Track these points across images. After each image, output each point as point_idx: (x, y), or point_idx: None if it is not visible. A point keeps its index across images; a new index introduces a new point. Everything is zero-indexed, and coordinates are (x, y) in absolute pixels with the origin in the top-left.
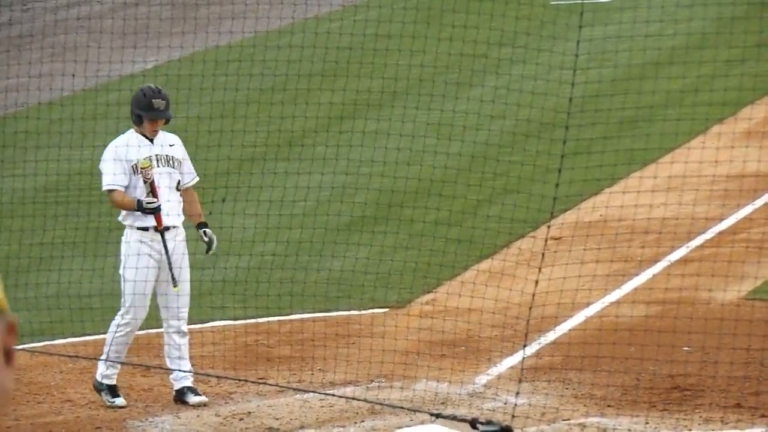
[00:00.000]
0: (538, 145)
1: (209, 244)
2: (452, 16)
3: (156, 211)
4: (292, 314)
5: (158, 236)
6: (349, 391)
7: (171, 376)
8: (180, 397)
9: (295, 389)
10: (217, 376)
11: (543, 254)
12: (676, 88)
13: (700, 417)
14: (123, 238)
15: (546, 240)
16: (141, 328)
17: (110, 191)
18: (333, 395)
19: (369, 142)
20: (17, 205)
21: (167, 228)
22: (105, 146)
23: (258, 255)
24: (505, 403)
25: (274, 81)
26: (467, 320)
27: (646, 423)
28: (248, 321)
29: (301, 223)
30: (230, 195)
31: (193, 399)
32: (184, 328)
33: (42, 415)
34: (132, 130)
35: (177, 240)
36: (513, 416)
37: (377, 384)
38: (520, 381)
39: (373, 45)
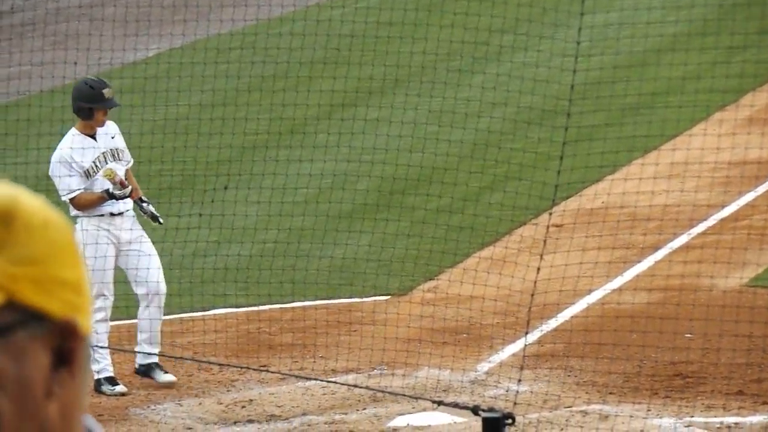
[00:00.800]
0: (540, 132)
1: (153, 216)
2: (453, 3)
3: (128, 195)
4: (293, 302)
5: (115, 221)
6: (351, 378)
7: (139, 348)
8: (146, 372)
9: (297, 377)
10: (219, 364)
11: (545, 241)
12: (678, 75)
13: (702, 404)
14: (78, 227)
15: (548, 227)
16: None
17: (72, 198)
18: (335, 383)
19: (370, 130)
20: None
21: (121, 213)
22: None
23: (260, 242)
24: (507, 391)
25: (275, 68)
26: (469, 307)
27: (648, 410)
28: (250, 309)
29: (302, 211)
30: (232, 182)
31: (162, 377)
32: (163, 302)
33: None
34: (73, 131)
35: (134, 228)
36: (515, 403)
37: (379, 371)
38: (522, 368)
39: (375, 32)
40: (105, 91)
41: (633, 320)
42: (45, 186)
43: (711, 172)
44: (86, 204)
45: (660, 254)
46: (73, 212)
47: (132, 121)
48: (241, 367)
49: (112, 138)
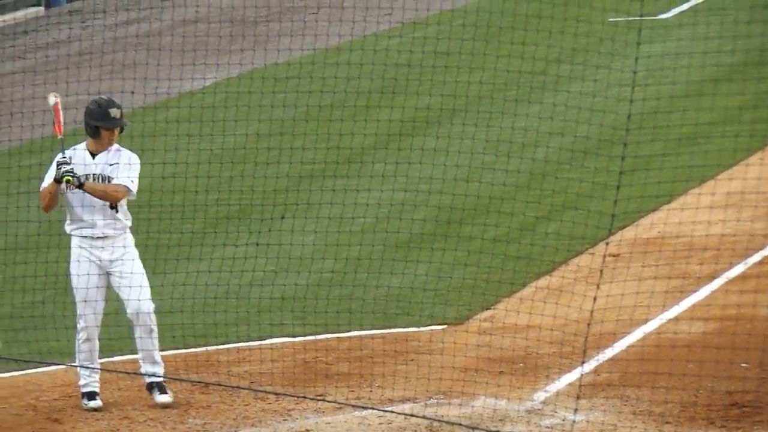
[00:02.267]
0: (597, 162)
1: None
2: (511, 33)
3: (66, 164)
4: (350, 331)
5: (98, 242)
6: (407, 408)
7: (142, 369)
8: (149, 390)
9: (353, 406)
10: (276, 393)
11: (601, 271)
12: (735, 105)
13: None
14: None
15: (604, 257)
16: (198, 345)
17: (41, 191)
18: (392, 412)
19: (427, 159)
20: None
21: (104, 236)
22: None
23: (316, 272)
24: (564, 420)
25: (332, 98)
26: (526, 337)
27: None
28: (307, 338)
29: (359, 240)
30: (289, 212)
31: (158, 398)
32: (149, 321)
33: None
34: (82, 144)
35: (115, 247)
36: None
37: (436, 401)
38: (578, 398)
39: (432, 62)
40: (111, 110)
41: (689, 349)
42: None
43: (767, 202)
44: (42, 196)
45: (716, 284)
46: (66, 229)
47: (189, 150)
48: (298, 397)
49: (110, 165)
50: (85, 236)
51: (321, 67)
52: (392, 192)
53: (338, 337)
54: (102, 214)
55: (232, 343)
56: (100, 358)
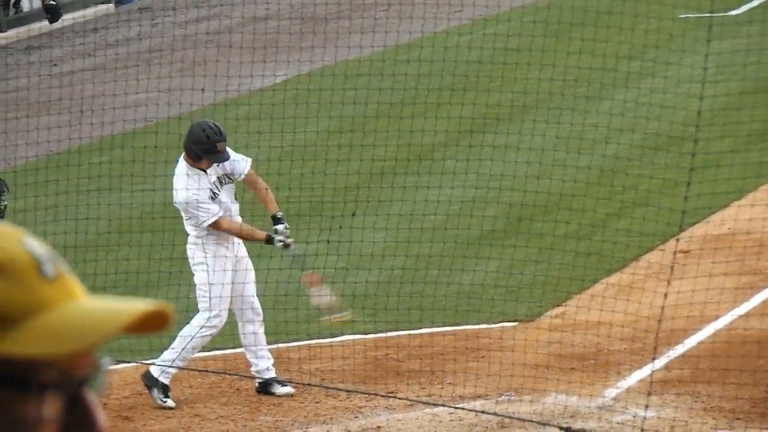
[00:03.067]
0: (667, 159)
1: (284, 243)
2: (581, 30)
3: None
4: (421, 328)
5: (232, 238)
6: (478, 404)
7: (252, 369)
8: (265, 388)
9: (424, 403)
10: (347, 390)
11: (672, 267)
12: None
13: None
14: (197, 242)
15: (675, 253)
16: (270, 342)
17: (214, 222)
18: (463, 409)
19: (498, 156)
20: (147, 219)
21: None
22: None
23: (387, 269)
24: (635, 416)
25: (403, 95)
26: (596, 333)
27: None
28: (378, 335)
29: (430, 237)
30: (360, 209)
31: (280, 390)
32: (261, 315)
33: (172, 430)
34: (186, 168)
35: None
36: (642, 429)
37: (507, 397)
38: (649, 394)
39: (503, 59)
40: (219, 144)
41: (760, 346)
42: (172, 213)
43: None
44: (227, 229)
45: None
46: (195, 232)
47: (259, 147)
48: (369, 394)
49: (217, 165)
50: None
51: (391, 64)
52: (463, 189)
53: (409, 334)
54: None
55: (303, 340)
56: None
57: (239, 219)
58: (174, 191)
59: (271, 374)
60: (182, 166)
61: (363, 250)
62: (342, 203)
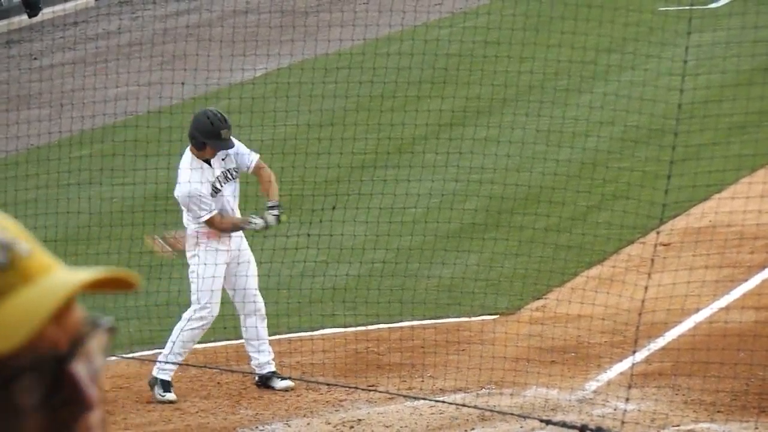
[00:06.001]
0: (647, 152)
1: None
2: (561, 23)
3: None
4: (402, 321)
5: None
6: (459, 397)
7: (252, 363)
8: (264, 383)
9: (405, 396)
10: (327, 384)
11: (652, 260)
12: None
13: None
14: (193, 235)
15: (655, 246)
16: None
17: (210, 219)
18: (443, 402)
19: (478, 149)
20: (126, 213)
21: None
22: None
23: (368, 262)
24: (615, 409)
25: (383, 88)
26: (577, 327)
27: (756, 428)
28: (358, 328)
29: (410, 230)
30: (340, 202)
31: (279, 384)
32: (262, 309)
33: (152, 424)
34: (192, 160)
35: (243, 238)
36: (623, 422)
37: (487, 391)
38: (629, 387)
39: (482, 52)
40: (223, 131)
41: (741, 339)
42: (152, 206)
43: None
44: (217, 226)
45: (767, 272)
46: (193, 225)
47: (239, 141)
48: (350, 387)
49: (223, 159)
50: None
51: (371, 57)
52: (443, 182)
53: (390, 328)
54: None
55: (284, 334)
56: (150, 349)
57: (238, 214)
58: (177, 184)
59: (271, 368)
60: (187, 158)
61: (343, 243)
62: (322, 197)
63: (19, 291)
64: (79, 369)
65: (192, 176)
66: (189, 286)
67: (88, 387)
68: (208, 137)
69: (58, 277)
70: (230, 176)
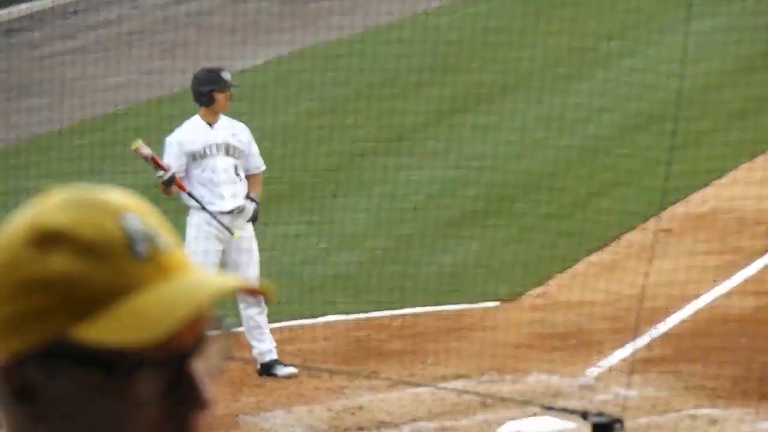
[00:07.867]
0: (648, 138)
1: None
2: (561, 10)
3: (169, 182)
4: (403, 308)
5: (225, 218)
6: (460, 384)
7: (254, 352)
8: (267, 370)
9: (406, 383)
10: (329, 371)
11: (653, 246)
12: None
13: None
14: (189, 220)
15: (656, 232)
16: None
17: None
18: (445, 389)
19: (479, 136)
20: None
21: (231, 211)
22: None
23: (368, 249)
24: (616, 396)
25: (383, 76)
26: (578, 313)
27: (757, 413)
28: (359, 315)
29: (411, 218)
30: (340, 190)
31: (282, 371)
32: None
33: None
34: (194, 117)
35: (244, 222)
36: (624, 408)
37: (489, 377)
38: (631, 373)
39: (483, 39)
40: (223, 73)
41: (741, 324)
42: (154, 195)
43: None
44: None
45: None
46: (185, 200)
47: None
48: (351, 374)
49: (233, 135)
50: (213, 213)
51: (372, 45)
52: (444, 169)
53: (391, 315)
54: None
55: (285, 321)
56: None
57: (228, 194)
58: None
59: (273, 356)
60: (192, 118)
61: (344, 230)
62: (323, 184)
63: (155, 285)
64: (199, 368)
65: (184, 131)
66: None
67: (206, 386)
68: (212, 83)
69: (199, 278)
70: (230, 152)
